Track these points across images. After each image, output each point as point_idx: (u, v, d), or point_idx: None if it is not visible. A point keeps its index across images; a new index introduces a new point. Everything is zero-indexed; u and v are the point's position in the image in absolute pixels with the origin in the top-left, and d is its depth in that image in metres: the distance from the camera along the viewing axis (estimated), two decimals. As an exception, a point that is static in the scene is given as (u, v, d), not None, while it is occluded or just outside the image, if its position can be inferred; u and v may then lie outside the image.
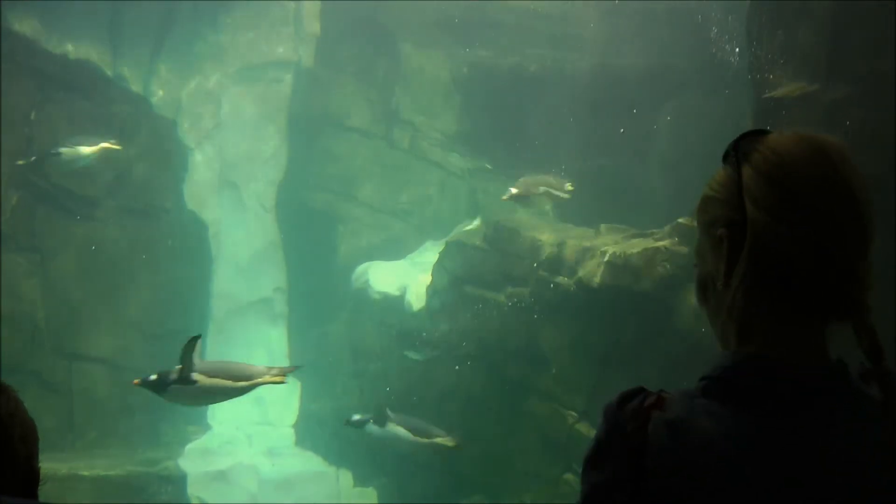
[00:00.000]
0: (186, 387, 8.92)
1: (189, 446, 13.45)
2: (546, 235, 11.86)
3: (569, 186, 12.57)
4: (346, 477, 13.83)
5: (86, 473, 12.19)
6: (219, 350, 14.55)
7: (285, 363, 14.86)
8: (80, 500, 11.27)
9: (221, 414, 14.20)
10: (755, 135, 1.91)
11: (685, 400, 1.81)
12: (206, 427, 14.10)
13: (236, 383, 9.13)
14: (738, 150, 1.89)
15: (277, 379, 9.34)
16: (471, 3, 14.66)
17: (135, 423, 13.34)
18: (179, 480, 12.80)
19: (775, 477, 1.71)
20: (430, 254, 13.59)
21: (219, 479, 13.21)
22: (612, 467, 1.80)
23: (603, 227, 11.94)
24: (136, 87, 14.25)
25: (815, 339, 1.84)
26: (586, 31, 14.26)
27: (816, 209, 1.78)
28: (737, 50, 11.11)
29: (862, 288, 1.79)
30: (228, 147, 14.95)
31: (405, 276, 13.43)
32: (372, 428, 11.10)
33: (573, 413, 10.97)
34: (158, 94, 14.47)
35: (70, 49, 13.63)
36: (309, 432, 14.25)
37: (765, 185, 1.82)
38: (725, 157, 1.93)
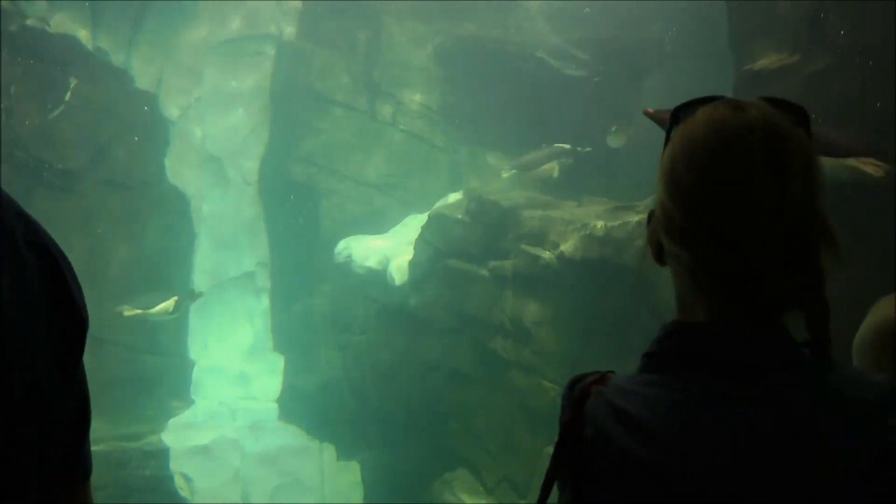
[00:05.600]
0: None
1: (172, 421, 13.45)
2: (528, 208, 11.83)
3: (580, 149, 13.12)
4: (329, 451, 13.87)
5: (68, 448, 12.18)
6: (201, 325, 14.56)
7: (268, 337, 14.89)
8: (62, 474, 11.25)
9: (205, 388, 14.21)
10: (693, 105, 1.79)
11: (625, 376, 1.77)
12: (189, 402, 14.10)
13: None
14: (673, 123, 1.81)
15: None
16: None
17: (117, 397, 13.31)
18: (162, 455, 12.82)
19: (711, 448, 1.61)
20: (412, 227, 13.54)
21: (202, 453, 13.23)
22: (561, 448, 1.77)
23: (585, 199, 11.92)
24: (116, 61, 14.16)
25: (743, 309, 1.70)
26: (569, 5, 14.21)
27: (703, 196, 1.68)
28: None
29: (775, 283, 1.68)
30: (210, 121, 14.88)
31: (388, 250, 13.39)
32: None
33: (556, 386, 10.95)
34: (139, 68, 14.38)
35: (50, 23, 13.52)
36: (292, 407, 14.26)
37: (666, 163, 1.76)
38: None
